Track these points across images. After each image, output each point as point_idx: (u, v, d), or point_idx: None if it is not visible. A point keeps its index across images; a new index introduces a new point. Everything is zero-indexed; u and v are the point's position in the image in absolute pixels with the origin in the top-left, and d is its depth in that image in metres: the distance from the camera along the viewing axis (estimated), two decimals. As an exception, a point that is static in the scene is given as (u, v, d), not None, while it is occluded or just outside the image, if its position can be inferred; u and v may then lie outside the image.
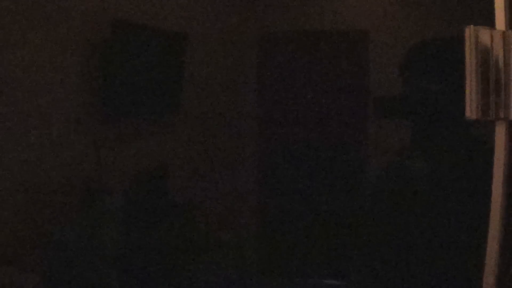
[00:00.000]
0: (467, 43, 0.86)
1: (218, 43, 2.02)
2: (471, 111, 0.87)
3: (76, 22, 1.74)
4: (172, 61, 1.95)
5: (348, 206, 1.81)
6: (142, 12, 1.90)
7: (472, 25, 0.85)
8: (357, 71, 1.84)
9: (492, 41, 0.85)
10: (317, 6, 1.89)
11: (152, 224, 1.86)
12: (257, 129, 2.00)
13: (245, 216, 1.98)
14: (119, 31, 1.82)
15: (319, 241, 1.83)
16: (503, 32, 0.86)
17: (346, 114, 1.88)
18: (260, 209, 2.01)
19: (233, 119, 1.99)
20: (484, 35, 0.85)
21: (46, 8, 1.69)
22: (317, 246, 1.83)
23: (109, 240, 1.76)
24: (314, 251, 1.83)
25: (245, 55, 2.01)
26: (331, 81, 1.87)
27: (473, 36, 0.85)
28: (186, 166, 1.98)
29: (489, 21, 0.89)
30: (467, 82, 0.86)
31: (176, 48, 1.96)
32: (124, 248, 1.81)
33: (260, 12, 1.95)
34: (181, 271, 1.86)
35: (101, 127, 1.83)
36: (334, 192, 1.84)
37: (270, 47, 2.01)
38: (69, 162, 1.75)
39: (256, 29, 1.97)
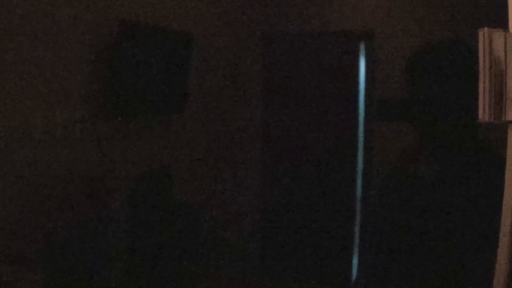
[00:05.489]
0: (481, 45, 0.85)
1: (222, 44, 2.01)
2: (483, 113, 0.86)
3: (83, 22, 1.74)
4: (176, 61, 1.95)
5: (353, 209, 1.80)
6: (147, 13, 1.89)
7: (486, 27, 0.84)
8: (362, 73, 1.84)
9: (506, 43, 0.84)
10: (321, 7, 1.89)
11: (155, 223, 1.85)
12: (260, 130, 1.99)
13: (248, 216, 1.97)
14: (124, 31, 1.82)
15: (322, 243, 1.82)
16: (517, 35, 0.86)
17: (350, 116, 1.87)
18: (263, 210, 2.01)
19: (237, 119, 1.98)
20: (498, 37, 0.84)
21: (54, 8, 1.69)
22: (320, 248, 1.82)
23: (113, 239, 1.75)
24: (316, 253, 1.83)
25: (249, 55, 2.01)
26: (336, 83, 1.86)
27: (487, 38, 0.84)
28: (190, 166, 1.98)
29: (497, 23, 0.88)
30: (480, 84, 0.86)
31: (180, 48, 1.95)
32: (127, 248, 1.81)
33: (264, 12, 1.94)
34: (184, 269, 1.86)
35: (105, 126, 1.83)
36: (337, 194, 1.83)
37: (274, 48, 2.00)
38: (73, 161, 1.74)
39: (260, 29, 1.96)
